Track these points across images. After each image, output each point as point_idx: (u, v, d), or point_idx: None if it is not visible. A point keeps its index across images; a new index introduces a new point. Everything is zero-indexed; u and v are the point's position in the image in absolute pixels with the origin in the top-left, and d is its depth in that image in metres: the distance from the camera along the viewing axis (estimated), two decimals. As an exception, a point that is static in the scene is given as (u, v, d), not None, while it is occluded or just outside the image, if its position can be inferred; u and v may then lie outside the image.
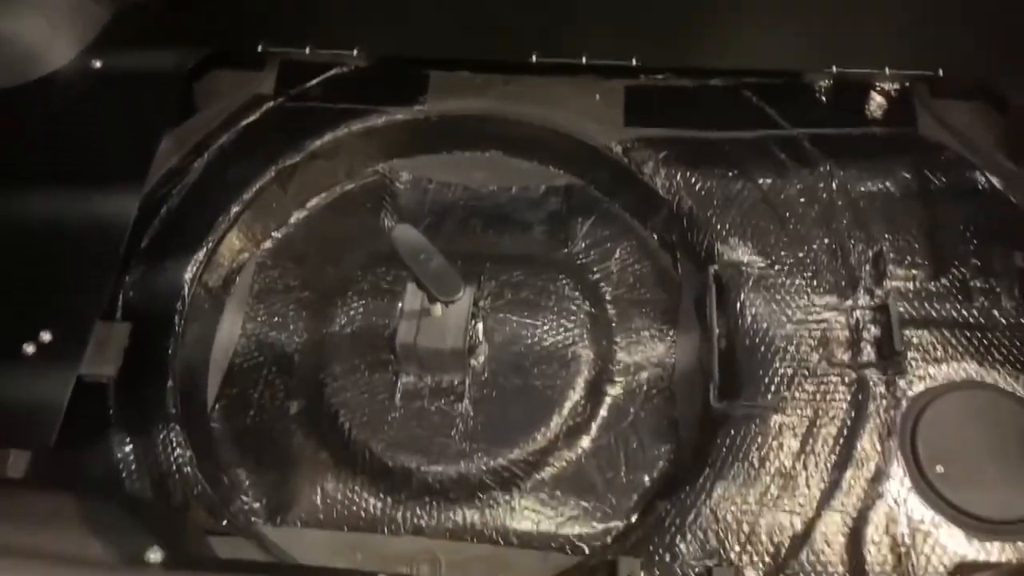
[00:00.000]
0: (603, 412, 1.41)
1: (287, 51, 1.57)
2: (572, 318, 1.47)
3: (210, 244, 1.48)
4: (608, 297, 1.53)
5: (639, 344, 1.48)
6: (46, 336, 1.19)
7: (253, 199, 1.54)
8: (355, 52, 1.55)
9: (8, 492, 1.08)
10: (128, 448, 1.30)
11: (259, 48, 1.53)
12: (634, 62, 1.50)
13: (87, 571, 0.81)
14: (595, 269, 1.56)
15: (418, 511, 1.33)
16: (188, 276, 1.44)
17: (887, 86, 1.57)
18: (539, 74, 1.60)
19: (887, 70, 1.49)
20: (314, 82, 1.64)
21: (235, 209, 1.52)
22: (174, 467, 1.28)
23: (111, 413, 1.31)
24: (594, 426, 1.40)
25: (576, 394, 1.40)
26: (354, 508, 1.34)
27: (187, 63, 1.50)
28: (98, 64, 1.45)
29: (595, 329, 1.47)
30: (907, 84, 1.56)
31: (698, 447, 1.33)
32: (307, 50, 1.53)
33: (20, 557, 0.82)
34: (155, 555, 0.83)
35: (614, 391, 1.44)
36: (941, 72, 1.47)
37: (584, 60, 1.51)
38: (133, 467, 1.28)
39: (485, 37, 1.52)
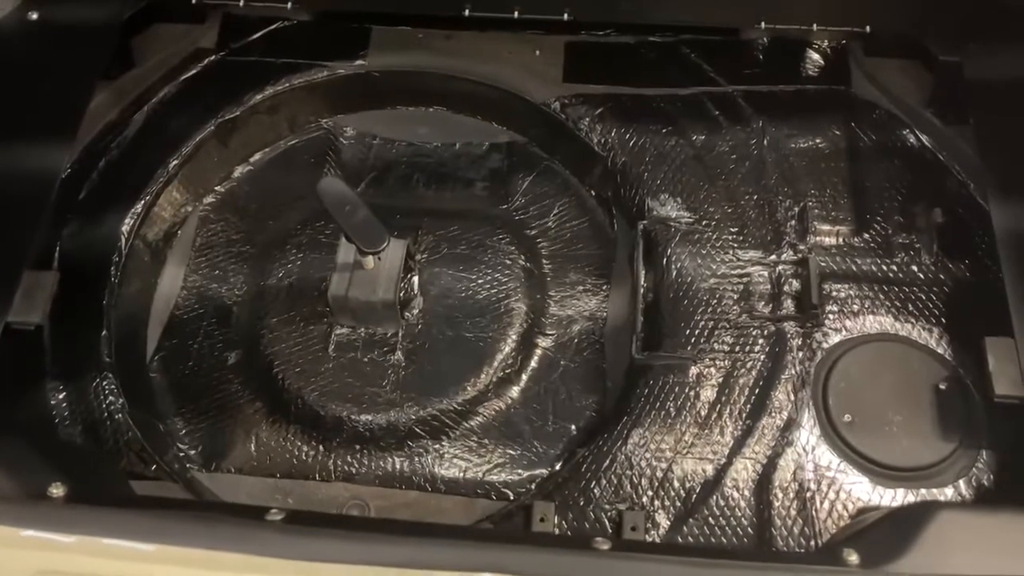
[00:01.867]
0: (533, 363, 1.45)
1: (225, 4, 1.57)
2: (507, 272, 1.50)
3: (148, 197, 1.49)
4: (544, 252, 1.56)
5: (573, 298, 1.51)
6: (-27, 285, 1.21)
7: (192, 153, 1.55)
8: (289, 5, 1.55)
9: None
10: (62, 395, 1.33)
11: (194, 0, 1.53)
12: (566, 16, 1.51)
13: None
14: (533, 225, 1.58)
15: (349, 459, 1.37)
16: (125, 229, 1.46)
17: (823, 44, 1.58)
18: (480, 30, 1.61)
19: (815, 27, 1.49)
20: (256, 36, 1.64)
21: (174, 163, 1.53)
22: (106, 414, 1.32)
23: (45, 361, 1.33)
24: (524, 377, 1.43)
25: (507, 346, 1.44)
26: (287, 456, 1.38)
27: (122, 14, 1.50)
28: (35, 16, 1.45)
29: (530, 283, 1.50)
30: (842, 43, 1.57)
31: (620, 396, 1.36)
32: (241, 2, 1.53)
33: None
34: (57, 490, 0.87)
35: (545, 343, 1.47)
36: (869, 28, 1.48)
37: (516, 14, 1.51)
38: (66, 413, 1.32)
39: (418, -10, 1.53)
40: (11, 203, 1.26)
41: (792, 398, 1.29)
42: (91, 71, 1.42)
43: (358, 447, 1.38)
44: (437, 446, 1.38)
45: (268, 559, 0.80)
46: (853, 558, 0.84)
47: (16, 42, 1.44)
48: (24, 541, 0.84)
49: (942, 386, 1.28)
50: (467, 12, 1.51)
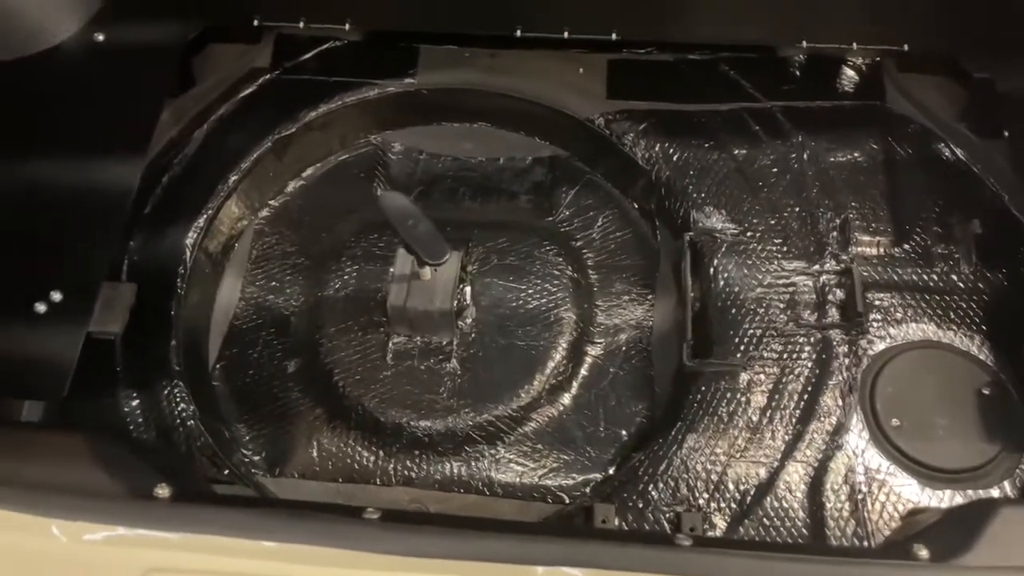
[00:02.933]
0: (584, 371, 1.49)
1: (281, 25, 1.63)
2: (556, 282, 1.55)
3: (210, 211, 1.54)
4: (590, 263, 1.60)
5: (619, 307, 1.56)
6: (56, 296, 1.26)
7: (251, 168, 1.61)
8: (347, 26, 1.60)
9: (25, 435, 1.16)
10: (135, 402, 1.38)
11: (254, 22, 1.59)
12: (614, 36, 1.56)
13: (102, 504, 0.89)
14: (578, 236, 1.63)
15: (408, 463, 1.42)
16: (189, 241, 1.51)
17: (857, 61, 1.64)
18: (525, 48, 1.66)
19: (855, 45, 1.55)
20: (309, 55, 1.70)
21: (233, 178, 1.58)
22: (178, 420, 1.36)
23: (119, 369, 1.38)
24: (575, 384, 1.48)
25: (558, 354, 1.48)
26: (348, 461, 1.42)
27: (185, 35, 1.56)
28: (100, 37, 1.50)
29: (577, 293, 1.55)
30: (876, 59, 1.62)
31: (672, 403, 1.41)
32: (300, 24, 1.58)
33: (39, 491, 0.90)
34: (163, 491, 0.91)
35: (594, 351, 1.51)
36: (906, 47, 1.53)
37: (566, 34, 1.57)
38: (140, 420, 1.36)
39: (471, 12, 1.58)
40: (91, 217, 1.32)
41: (840, 403, 1.34)
42: (158, 90, 1.48)
43: (417, 452, 1.42)
44: (493, 451, 1.42)
45: (372, 554, 0.84)
46: (923, 553, 0.88)
47: (82, 62, 1.50)
48: (134, 540, 0.88)
49: (985, 391, 1.33)
50: (518, 33, 1.56)
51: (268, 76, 1.67)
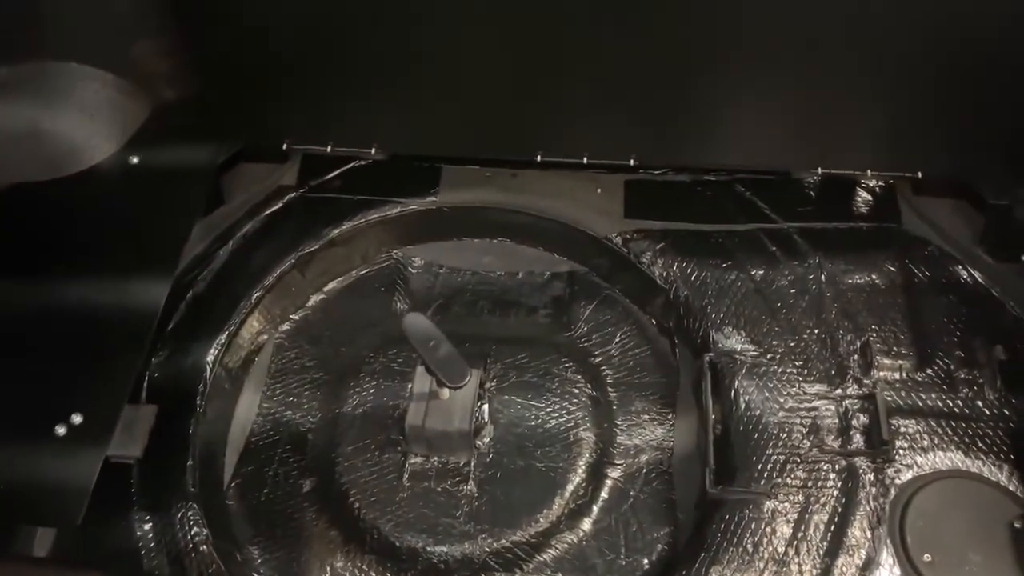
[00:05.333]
0: (604, 494, 1.47)
1: (311, 147, 1.68)
2: (575, 401, 1.54)
3: (232, 328, 1.56)
4: (609, 380, 1.60)
5: (639, 427, 1.54)
6: (77, 419, 1.26)
7: (274, 284, 1.63)
8: (373, 150, 1.65)
9: (34, 569, 1.14)
10: (148, 526, 1.35)
11: (284, 146, 1.64)
12: (632, 162, 1.60)
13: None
14: (596, 352, 1.63)
15: (424, 591, 1.38)
16: (210, 359, 1.51)
17: (872, 184, 1.67)
18: (544, 169, 1.71)
19: (869, 172, 1.58)
20: (334, 174, 1.75)
21: (256, 294, 1.61)
22: (191, 545, 1.34)
23: (134, 492, 1.37)
24: (595, 508, 1.45)
25: (578, 476, 1.46)
26: (361, 587, 1.39)
27: (218, 159, 1.61)
28: (135, 160, 1.56)
29: (596, 412, 1.53)
30: (891, 182, 1.65)
31: (695, 531, 1.38)
32: (328, 148, 1.64)
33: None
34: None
35: (615, 473, 1.49)
36: (921, 175, 1.56)
37: (585, 159, 1.61)
38: (152, 544, 1.34)
39: (493, 138, 1.63)
40: (116, 338, 1.33)
41: (868, 535, 1.30)
42: (189, 212, 1.51)
43: (432, 579, 1.39)
44: (511, 579, 1.39)
45: None
46: None
47: (117, 184, 1.55)
48: None
49: (1017, 524, 1.29)
50: (539, 158, 1.61)
51: (294, 194, 1.72)
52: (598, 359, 1.62)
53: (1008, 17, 1.31)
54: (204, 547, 1.33)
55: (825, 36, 1.37)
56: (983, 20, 1.32)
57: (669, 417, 1.54)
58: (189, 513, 1.36)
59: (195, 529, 1.35)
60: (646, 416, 1.55)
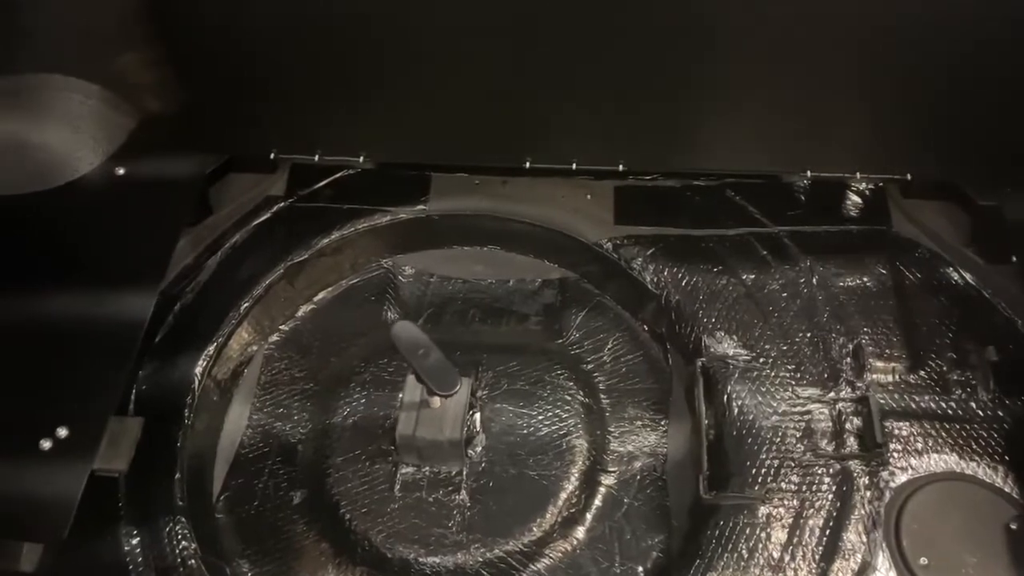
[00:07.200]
0: (597, 502, 1.45)
1: (297, 157, 1.67)
2: (567, 408, 1.53)
3: (220, 339, 1.54)
4: (601, 387, 1.59)
5: (632, 433, 1.53)
6: (62, 432, 1.24)
7: (263, 295, 1.62)
8: (360, 159, 1.65)
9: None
10: (135, 540, 1.33)
11: (272, 156, 1.63)
12: (621, 167, 1.60)
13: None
14: (589, 359, 1.62)
15: (415, 602, 1.36)
16: (198, 370, 1.50)
17: (861, 186, 1.67)
18: (534, 175, 1.70)
19: (858, 174, 1.58)
20: (322, 184, 1.74)
21: (245, 305, 1.59)
22: (179, 560, 1.32)
23: (121, 506, 1.35)
24: (589, 516, 1.44)
25: (571, 484, 1.45)
26: (353, 599, 1.37)
27: (204, 169, 1.60)
28: (121, 171, 1.55)
29: (589, 419, 1.52)
30: (880, 185, 1.65)
31: (689, 537, 1.36)
32: (316, 157, 1.63)
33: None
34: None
35: (608, 481, 1.48)
36: (909, 176, 1.56)
37: (574, 166, 1.60)
38: (139, 559, 1.32)
39: (482, 146, 1.63)
40: (102, 350, 1.31)
41: (864, 539, 1.29)
42: (175, 223, 1.50)
43: (425, 590, 1.37)
44: (504, 589, 1.37)
45: None
46: None
47: (102, 195, 1.54)
48: None
49: (1013, 525, 1.28)
50: (528, 164, 1.60)
51: (282, 204, 1.71)
52: (590, 366, 1.61)
53: (994, 20, 1.31)
54: (192, 561, 1.32)
55: (811, 40, 1.37)
56: (968, 23, 1.32)
57: (662, 423, 1.53)
58: (177, 527, 1.34)
59: (183, 543, 1.33)
60: (639, 422, 1.54)
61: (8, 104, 1.56)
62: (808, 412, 1.42)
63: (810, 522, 1.31)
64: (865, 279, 1.56)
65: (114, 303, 1.38)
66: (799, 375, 1.46)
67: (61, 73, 1.57)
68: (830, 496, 1.34)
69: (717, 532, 1.32)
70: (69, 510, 1.18)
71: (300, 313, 1.71)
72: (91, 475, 1.23)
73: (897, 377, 1.45)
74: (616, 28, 1.39)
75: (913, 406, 1.41)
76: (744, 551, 1.30)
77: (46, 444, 1.23)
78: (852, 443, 1.38)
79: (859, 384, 1.44)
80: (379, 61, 1.47)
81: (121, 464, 1.27)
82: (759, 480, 1.36)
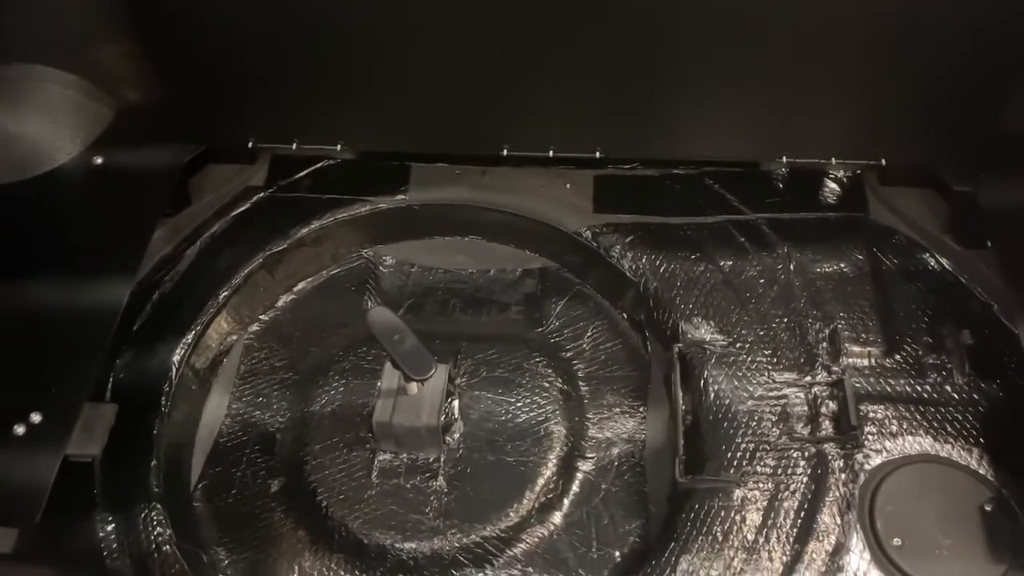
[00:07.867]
0: (575, 488, 1.45)
1: (276, 147, 1.68)
2: (546, 395, 1.53)
3: (199, 328, 1.54)
4: (581, 374, 1.59)
5: (610, 420, 1.53)
6: (36, 417, 1.24)
7: (242, 284, 1.62)
8: (339, 147, 1.65)
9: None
10: (111, 527, 1.33)
11: (250, 144, 1.64)
12: (598, 155, 1.60)
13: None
14: (568, 347, 1.62)
15: (392, 589, 1.36)
16: (176, 359, 1.50)
17: (839, 174, 1.67)
18: (514, 165, 1.71)
19: (834, 160, 1.59)
20: (302, 174, 1.74)
21: (224, 294, 1.59)
22: (154, 546, 1.32)
23: (96, 492, 1.35)
24: (566, 502, 1.44)
25: (549, 470, 1.45)
26: (329, 586, 1.37)
27: (182, 159, 1.61)
28: (99, 160, 1.55)
29: (568, 406, 1.52)
30: (857, 172, 1.66)
31: (666, 521, 1.36)
32: (294, 146, 1.63)
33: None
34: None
35: (586, 467, 1.48)
36: (884, 162, 1.57)
37: (551, 153, 1.61)
38: (114, 545, 1.32)
39: (459, 134, 1.63)
40: (74, 338, 1.32)
41: (839, 521, 1.29)
42: (152, 212, 1.51)
43: (401, 576, 1.37)
44: (481, 575, 1.37)
45: None
46: None
47: (80, 185, 1.54)
48: None
49: (987, 507, 1.28)
50: (505, 152, 1.61)
51: (262, 194, 1.71)
52: (569, 354, 1.62)
53: (967, 5, 1.32)
54: (167, 547, 1.31)
55: (787, 26, 1.38)
56: (942, 8, 1.32)
57: (640, 410, 1.53)
58: (152, 513, 1.34)
59: (158, 529, 1.33)
60: (617, 409, 1.54)
61: (-14, 94, 1.57)
62: (784, 396, 1.43)
63: (785, 504, 1.32)
64: (842, 265, 1.57)
65: (89, 291, 1.39)
66: (775, 360, 1.46)
67: (39, 63, 1.57)
68: (805, 479, 1.34)
69: (692, 515, 1.32)
70: (42, 494, 1.18)
71: (280, 303, 1.71)
72: (65, 460, 1.23)
73: (873, 361, 1.45)
74: (592, 15, 1.39)
75: (888, 390, 1.42)
76: (719, 534, 1.30)
77: (20, 429, 1.23)
78: (827, 426, 1.39)
79: (835, 368, 1.44)
80: (356, 49, 1.48)
81: (95, 449, 1.27)
82: (735, 464, 1.36)
